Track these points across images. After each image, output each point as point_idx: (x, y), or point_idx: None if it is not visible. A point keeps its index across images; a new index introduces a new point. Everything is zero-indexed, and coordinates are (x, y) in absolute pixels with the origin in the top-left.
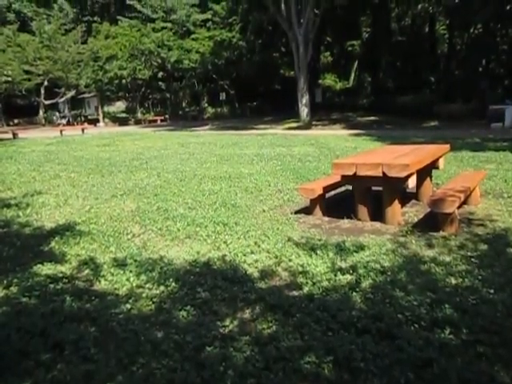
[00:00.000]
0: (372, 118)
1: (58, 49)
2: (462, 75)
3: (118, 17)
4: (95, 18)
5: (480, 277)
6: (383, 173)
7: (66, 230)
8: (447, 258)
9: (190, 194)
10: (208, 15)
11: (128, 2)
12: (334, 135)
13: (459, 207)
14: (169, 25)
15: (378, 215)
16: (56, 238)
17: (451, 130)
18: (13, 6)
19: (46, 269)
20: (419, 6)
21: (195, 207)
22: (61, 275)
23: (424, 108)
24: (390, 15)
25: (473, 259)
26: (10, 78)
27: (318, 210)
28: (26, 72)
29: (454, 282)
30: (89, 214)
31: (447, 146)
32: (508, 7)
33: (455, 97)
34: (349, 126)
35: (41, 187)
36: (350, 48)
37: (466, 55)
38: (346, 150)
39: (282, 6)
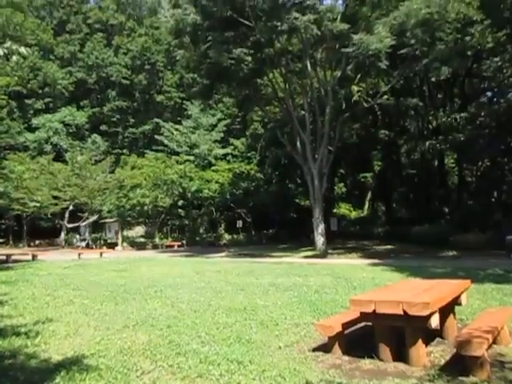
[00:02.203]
0: (388, 246)
1: (86, 177)
2: (475, 206)
3: (146, 150)
4: (124, 151)
5: None
6: (404, 311)
7: (73, 364)
8: None
9: (204, 327)
10: (228, 150)
11: (156, 137)
12: (351, 265)
13: (488, 348)
14: (191, 157)
15: (401, 353)
16: (62, 373)
17: (470, 261)
18: (51, 139)
19: None
20: (427, 143)
21: (208, 342)
22: None
23: (440, 238)
24: (399, 150)
25: None
26: (38, 204)
27: (337, 348)
28: (54, 197)
29: None
30: (99, 345)
31: (468, 282)
32: None
33: (470, 227)
34: (365, 254)
35: (53, 314)
36: (362, 179)
37: (476, 187)
38: (363, 280)
39: (298, 143)
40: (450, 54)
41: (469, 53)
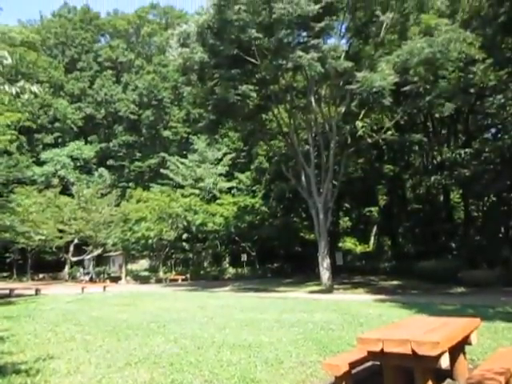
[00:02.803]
0: (395, 282)
1: (92, 210)
2: (482, 241)
3: (151, 183)
4: (130, 184)
5: None
6: (412, 350)
7: None
8: None
9: (207, 365)
10: (233, 183)
11: (161, 171)
12: (357, 300)
13: None
14: (197, 191)
15: None
16: None
17: (479, 297)
18: (58, 172)
19: None
20: (432, 178)
21: (212, 381)
22: None
23: (447, 273)
24: (404, 185)
25: None
26: (43, 237)
27: None
28: (60, 231)
29: None
30: None
31: (478, 320)
32: None
33: (478, 263)
34: (372, 290)
35: (54, 350)
36: (367, 213)
37: (483, 222)
38: (370, 317)
39: (303, 177)
40: (452, 91)
41: (472, 90)
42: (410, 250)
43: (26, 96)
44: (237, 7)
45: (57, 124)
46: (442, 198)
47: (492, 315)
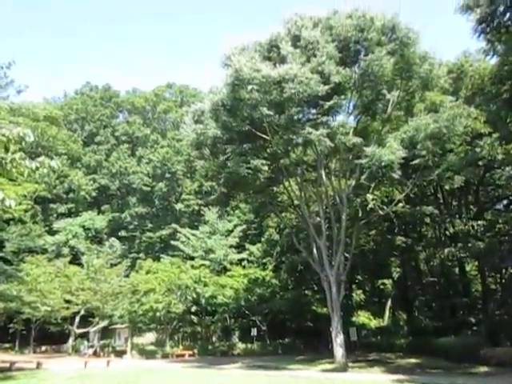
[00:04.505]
0: (412, 360)
1: (100, 281)
2: (503, 316)
3: (161, 254)
4: (140, 255)
5: None
6: None
7: None
8: None
9: None
10: (244, 255)
11: (172, 243)
12: (373, 381)
13: None
14: (207, 262)
15: None
16: None
17: (505, 378)
18: (69, 241)
19: None
20: (446, 251)
21: None
22: None
23: (468, 351)
24: (418, 257)
25: None
26: (50, 308)
27: None
28: (67, 301)
29: None
30: None
31: None
32: None
33: (500, 339)
34: (388, 369)
35: None
36: (381, 286)
37: (503, 296)
38: None
39: (314, 250)
40: (461, 164)
41: (480, 163)
42: (427, 326)
43: (45, 170)
44: (249, 87)
45: (71, 195)
46: (457, 270)
47: None
